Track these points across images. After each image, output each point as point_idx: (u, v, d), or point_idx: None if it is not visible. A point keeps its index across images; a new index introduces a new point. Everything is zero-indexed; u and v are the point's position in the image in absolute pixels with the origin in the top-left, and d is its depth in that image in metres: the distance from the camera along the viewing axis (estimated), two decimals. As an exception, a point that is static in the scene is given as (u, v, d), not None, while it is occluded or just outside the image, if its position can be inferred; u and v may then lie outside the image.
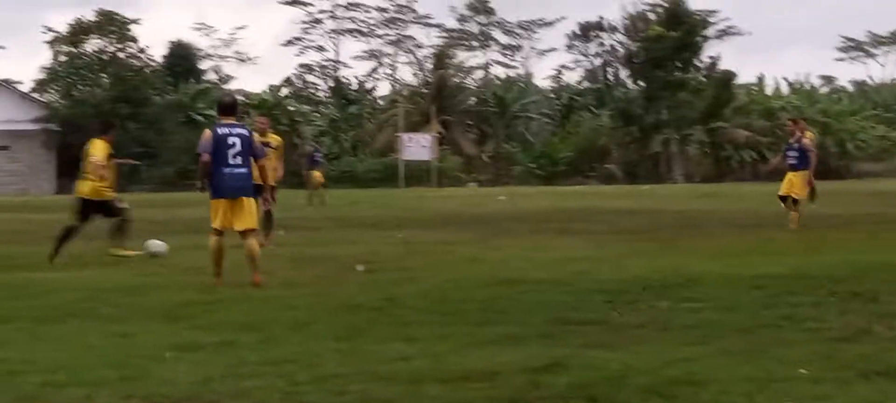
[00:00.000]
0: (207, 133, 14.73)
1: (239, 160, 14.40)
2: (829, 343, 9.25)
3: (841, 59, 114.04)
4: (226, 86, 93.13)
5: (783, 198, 23.70)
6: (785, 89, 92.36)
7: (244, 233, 14.43)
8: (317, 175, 43.58)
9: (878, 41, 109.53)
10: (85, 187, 18.79)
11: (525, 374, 8.18)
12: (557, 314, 11.11)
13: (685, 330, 10.04)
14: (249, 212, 14.54)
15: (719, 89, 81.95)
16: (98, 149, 18.60)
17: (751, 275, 13.91)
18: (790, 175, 23.64)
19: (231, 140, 14.45)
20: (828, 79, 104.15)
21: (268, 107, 69.57)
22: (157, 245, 19.16)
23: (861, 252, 17.26)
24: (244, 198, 14.48)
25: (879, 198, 37.82)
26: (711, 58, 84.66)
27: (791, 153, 23.93)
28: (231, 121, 14.74)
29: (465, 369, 8.40)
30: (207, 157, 14.48)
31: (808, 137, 25.41)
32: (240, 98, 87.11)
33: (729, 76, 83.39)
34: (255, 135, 15.53)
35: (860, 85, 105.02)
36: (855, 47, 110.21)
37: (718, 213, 29.73)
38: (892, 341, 9.35)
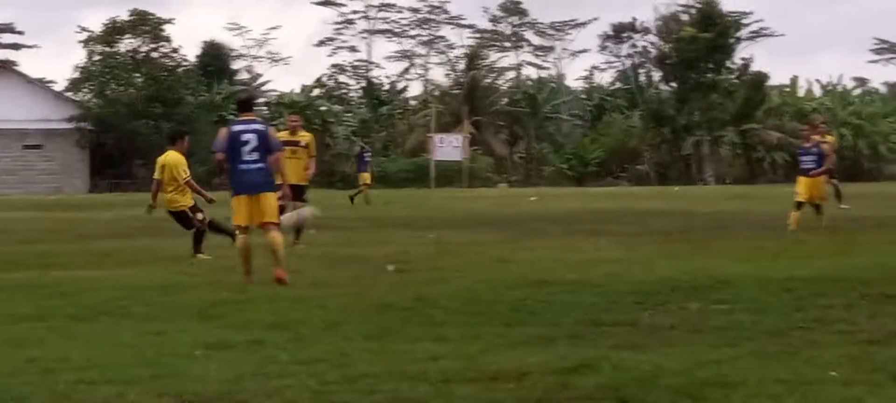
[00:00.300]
0: (223, 131, 14.88)
1: (255, 156, 14.46)
2: (860, 346, 9.23)
3: (874, 62, 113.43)
4: (258, 87, 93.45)
5: (800, 205, 23.42)
6: (817, 91, 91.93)
7: (265, 226, 14.50)
8: (364, 176, 43.65)
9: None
10: (164, 200, 18.94)
11: (555, 375, 8.19)
12: (588, 315, 11.11)
13: (715, 332, 10.03)
14: (269, 207, 14.59)
15: (751, 91, 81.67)
16: (176, 162, 18.69)
17: (781, 278, 13.86)
18: (805, 179, 23.43)
19: (245, 136, 14.51)
20: (861, 81, 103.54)
21: (299, 107, 69.67)
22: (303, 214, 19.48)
23: (892, 254, 17.15)
24: (263, 194, 14.54)
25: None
26: (744, 59, 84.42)
27: (807, 157, 23.73)
28: (248, 116, 14.84)
29: (494, 369, 8.42)
30: (221, 156, 14.63)
31: (829, 141, 25.26)
32: (272, 98, 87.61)
33: (761, 78, 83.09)
34: (273, 131, 15.46)
35: (893, 87, 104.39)
36: (888, 49, 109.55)
37: (750, 215, 29.62)
38: (922, 344, 9.32)
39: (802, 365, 8.43)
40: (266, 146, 14.59)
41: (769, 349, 9.15)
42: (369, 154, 47.60)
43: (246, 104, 15.32)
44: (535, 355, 8.93)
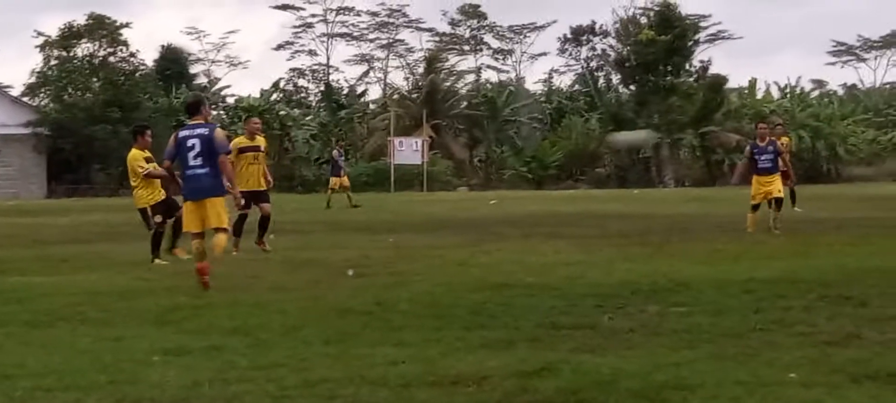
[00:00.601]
0: (172, 138, 14.74)
1: (200, 161, 14.31)
2: (820, 348, 9.27)
3: (832, 64, 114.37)
4: (217, 91, 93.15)
5: (756, 207, 23.44)
6: (776, 93, 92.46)
7: (215, 230, 14.42)
8: (336, 180, 43.38)
9: (869, 46, 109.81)
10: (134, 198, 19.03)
11: (514, 378, 8.19)
12: (547, 318, 11.12)
13: (674, 335, 10.05)
14: (215, 213, 14.41)
15: (710, 93, 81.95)
16: (133, 157, 18.77)
17: (741, 279, 13.92)
18: (762, 178, 23.44)
19: (190, 142, 14.39)
20: (819, 84, 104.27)
21: (258, 111, 69.37)
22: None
23: (851, 256, 17.26)
24: (209, 200, 14.38)
25: (870, 202, 37.84)
26: (702, 62, 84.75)
27: (764, 156, 23.73)
28: (197, 120, 14.66)
29: (454, 373, 8.41)
30: (168, 163, 14.57)
31: (784, 142, 25.33)
32: (230, 102, 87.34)
33: (719, 80, 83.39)
34: (221, 134, 14.93)
35: (851, 89, 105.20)
36: (846, 52, 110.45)
37: (709, 217, 29.72)
38: (881, 345, 9.36)
39: (761, 367, 8.46)
40: (211, 150, 14.39)
41: (728, 351, 9.17)
42: (343, 158, 47.06)
43: (192, 108, 15.05)
44: (495, 358, 8.93)
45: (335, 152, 45.13)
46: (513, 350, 9.38)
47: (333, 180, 43.38)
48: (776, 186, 23.35)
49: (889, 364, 8.50)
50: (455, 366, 8.66)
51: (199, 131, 14.46)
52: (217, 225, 14.40)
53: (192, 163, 14.32)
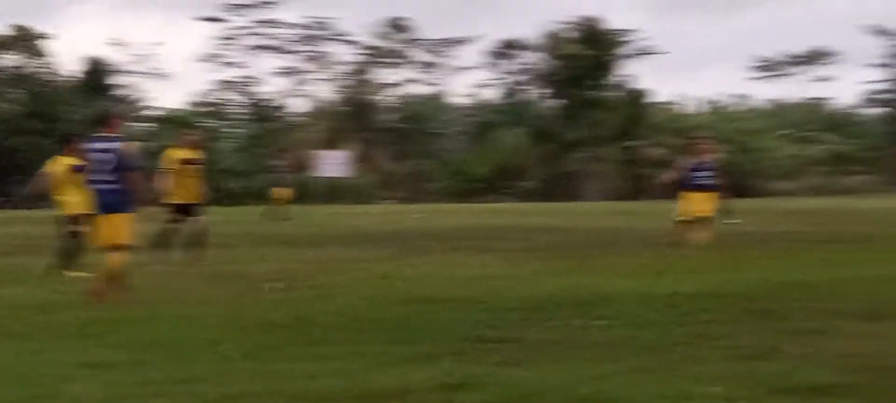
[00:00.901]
0: (81, 151, 14.55)
1: (106, 176, 14.07)
2: (742, 361, 9.30)
3: (756, 79, 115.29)
4: (140, 103, 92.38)
5: (689, 222, 23.50)
6: (700, 108, 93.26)
7: (112, 248, 14.10)
8: (279, 192, 43.05)
9: (792, 61, 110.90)
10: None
11: (438, 392, 8.14)
12: (472, 332, 11.07)
13: (598, 348, 10.05)
14: (116, 229, 14.06)
15: (631, 107, 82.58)
16: (60, 165, 18.85)
17: (665, 293, 13.96)
18: (699, 196, 23.51)
19: (98, 155, 14.18)
20: (743, 98, 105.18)
21: (182, 123, 68.88)
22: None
23: (775, 270, 17.41)
24: (113, 215, 14.09)
25: (793, 216, 38.26)
26: (624, 76, 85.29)
27: (703, 173, 23.76)
28: (106, 133, 14.34)
29: (377, 387, 8.35)
30: (76, 176, 14.39)
31: (716, 158, 25.60)
32: (157, 114, 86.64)
33: (640, 94, 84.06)
34: (131, 148, 14.62)
35: (774, 104, 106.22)
36: (769, 66, 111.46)
37: (634, 231, 29.88)
38: (801, 359, 9.41)
39: (684, 381, 8.46)
40: (120, 164, 14.07)
41: (651, 364, 9.18)
42: (282, 169, 46.47)
43: (100, 120, 14.69)
44: (418, 372, 8.87)
45: (278, 163, 44.83)
46: (437, 363, 9.32)
47: (277, 191, 43.06)
48: (709, 205, 23.45)
49: (809, 377, 8.55)
50: (378, 380, 8.60)
51: (107, 145, 14.17)
52: (115, 242, 14.06)
53: (98, 177, 14.08)
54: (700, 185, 23.57)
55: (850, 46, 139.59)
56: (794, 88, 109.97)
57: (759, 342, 10.26)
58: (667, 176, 27.09)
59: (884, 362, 9.21)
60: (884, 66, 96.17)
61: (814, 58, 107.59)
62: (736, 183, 75.22)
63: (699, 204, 23.42)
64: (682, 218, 23.64)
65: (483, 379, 8.53)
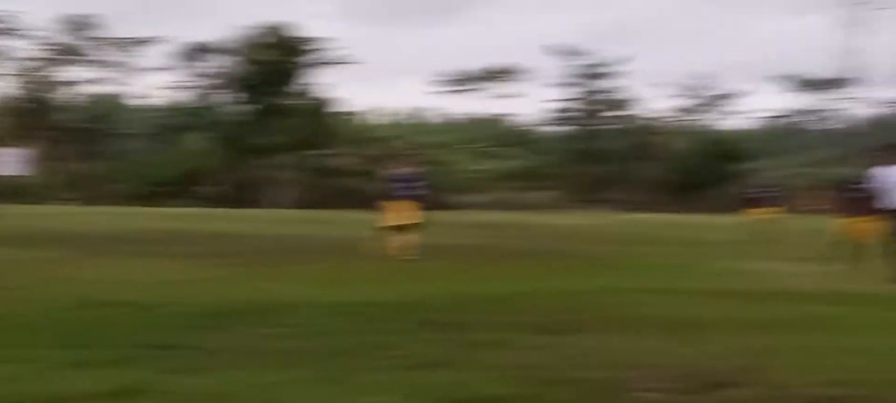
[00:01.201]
0: None
1: None
2: (419, 371, 9.31)
3: (445, 93, 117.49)
4: None
5: (394, 228, 23.68)
6: (391, 119, 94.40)
7: None
8: None
9: (479, 76, 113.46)
10: None
11: (104, 399, 7.86)
12: (145, 337, 10.77)
13: (275, 356, 9.91)
14: None
15: (316, 116, 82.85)
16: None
17: (346, 302, 13.97)
18: (397, 205, 23.73)
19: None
20: (430, 112, 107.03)
21: None
22: None
23: (460, 282, 17.65)
24: None
25: (480, 230, 39.03)
26: (311, 84, 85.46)
27: (402, 184, 24.02)
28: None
29: (43, 393, 7.99)
30: None
31: (417, 170, 25.86)
32: None
33: (324, 103, 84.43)
34: None
35: (463, 118, 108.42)
36: (457, 81, 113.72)
37: (319, 239, 29.88)
38: (477, 370, 9.48)
39: (360, 389, 8.41)
40: None
41: (324, 373, 9.09)
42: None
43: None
44: (87, 378, 8.54)
45: None
46: (104, 369, 9.00)
47: None
48: (411, 214, 23.68)
49: (483, 388, 8.62)
50: (43, 387, 8.23)
51: None
52: None
53: None
54: (402, 195, 23.84)
55: (538, 65, 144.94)
56: (480, 104, 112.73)
57: (438, 352, 10.31)
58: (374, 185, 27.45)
59: (556, 374, 9.37)
60: (565, 85, 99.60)
61: (499, 74, 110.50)
62: (429, 195, 76.74)
63: (400, 213, 23.65)
64: (383, 227, 23.82)
65: (152, 386, 8.29)
